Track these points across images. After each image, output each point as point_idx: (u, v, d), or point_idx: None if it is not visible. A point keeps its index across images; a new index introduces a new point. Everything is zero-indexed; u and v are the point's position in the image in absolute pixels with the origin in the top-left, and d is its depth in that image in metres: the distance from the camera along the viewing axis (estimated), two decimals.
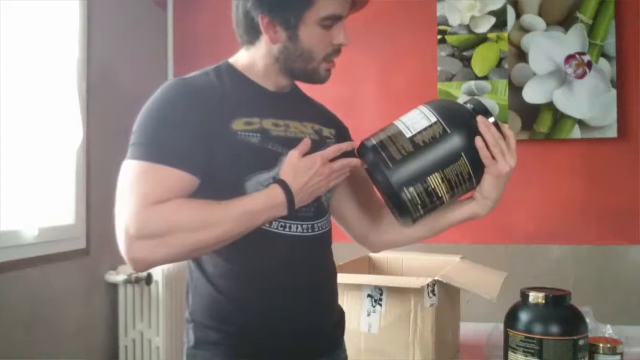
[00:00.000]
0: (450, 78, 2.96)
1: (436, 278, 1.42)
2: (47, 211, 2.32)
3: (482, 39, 2.94)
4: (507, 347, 1.35)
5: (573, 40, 2.84)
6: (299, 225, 1.16)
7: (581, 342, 1.30)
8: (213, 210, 1.07)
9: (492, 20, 2.93)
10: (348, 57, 3.02)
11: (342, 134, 1.35)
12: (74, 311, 2.44)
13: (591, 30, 2.83)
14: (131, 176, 1.08)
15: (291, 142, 1.16)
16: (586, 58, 2.82)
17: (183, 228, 1.04)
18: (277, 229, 1.13)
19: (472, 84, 2.93)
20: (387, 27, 3.03)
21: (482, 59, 2.93)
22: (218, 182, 1.11)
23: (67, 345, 2.38)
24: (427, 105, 1.18)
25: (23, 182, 2.19)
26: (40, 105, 2.29)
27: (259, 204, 1.08)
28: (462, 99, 2.94)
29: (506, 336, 1.36)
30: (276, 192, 1.10)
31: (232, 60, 1.24)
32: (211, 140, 1.11)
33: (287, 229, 1.14)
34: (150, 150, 1.08)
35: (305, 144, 1.14)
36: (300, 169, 1.11)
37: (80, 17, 2.52)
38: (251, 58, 1.22)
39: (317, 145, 1.20)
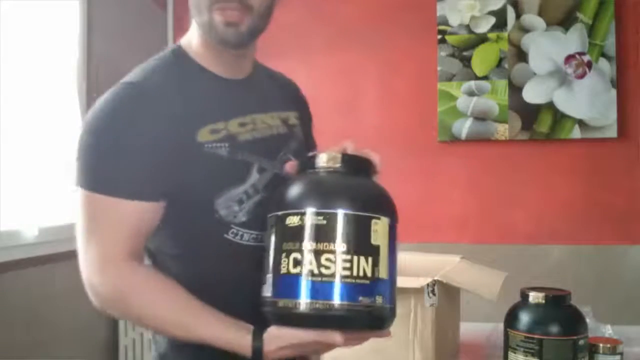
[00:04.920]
0: (450, 78, 2.96)
1: (436, 278, 1.42)
2: (47, 211, 2.32)
3: (482, 39, 2.94)
4: (507, 347, 1.35)
5: (573, 40, 2.84)
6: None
7: (581, 342, 1.30)
8: (179, 311, 0.98)
9: (492, 20, 2.93)
10: (348, 57, 3.05)
11: (305, 114, 1.26)
12: (74, 311, 2.43)
13: (591, 30, 2.83)
14: (88, 213, 0.98)
15: (261, 146, 1.08)
16: (586, 58, 2.83)
17: (142, 312, 0.99)
18: (248, 241, 1.05)
19: (472, 84, 2.93)
20: (387, 27, 3.03)
21: (482, 59, 2.93)
22: (184, 202, 1.01)
23: (67, 345, 2.38)
24: None
25: (23, 182, 2.19)
26: (40, 105, 2.29)
27: (222, 342, 0.97)
28: (462, 99, 2.94)
29: (506, 336, 1.36)
30: (245, 347, 0.97)
31: (185, 41, 1.11)
32: (174, 157, 0.99)
33: (257, 241, 1.05)
34: (105, 181, 0.97)
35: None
36: (289, 347, 0.96)
37: (80, 17, 2.52)
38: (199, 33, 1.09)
39: (286, 138, 1.14)
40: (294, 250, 0.92)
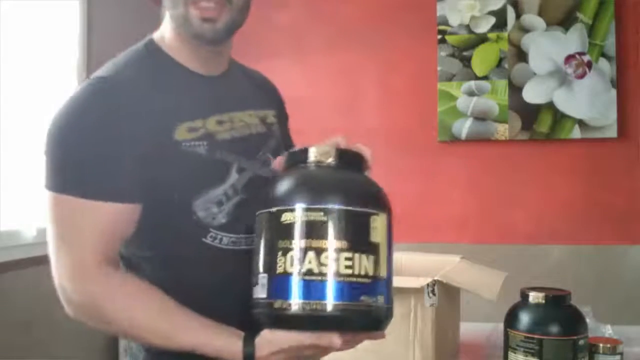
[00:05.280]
0: (450, 78, 2.96)
1: (436, 278, 1.42)
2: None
3: (482, 39, 2.94)
4: (507, 347, 1.35)
5: (573, 40, 2.84)
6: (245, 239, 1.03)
7: (581, 342, 1.30)
8: (157, 317, 0.92)
9: (492, 20, 2.93)
10: (348, 57, 3.05)
11: (282, 112, 1.23)
12: None
13: (591, 30, 2.83)
14: (58, 216, 0.93)
15: (240, 145, 1.04)
16: (586, 58, 2.83)
17: (118, 318, 0.93)
18: (227, 245, 1.00)
19: (472, 84, 2.93)
20: (387, 27, 3.03)
21: (482, 59, 2.93)
22: (160, 203, 0.96)
23: (67, 345, 2.37)
24: None
25: (23, 182, 2.19)
26: (40, 105, 2.29)
27: (210, 349, 0.92)
28: (462, 99, 2.94)
29: (506, 336, 1.36)
30: (236, 354, 0.91)
31: (158, 35, 1.06)
32: (150, 155, 0.94)
33: (237, 245, 1.02)
34: (75, 182, 0.91)
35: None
36: (282, 351, 0.90)
37: (80, 17, 2.52)
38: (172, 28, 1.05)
39: (265, 137, 1.10)
40: (291, 248, 0.86)
